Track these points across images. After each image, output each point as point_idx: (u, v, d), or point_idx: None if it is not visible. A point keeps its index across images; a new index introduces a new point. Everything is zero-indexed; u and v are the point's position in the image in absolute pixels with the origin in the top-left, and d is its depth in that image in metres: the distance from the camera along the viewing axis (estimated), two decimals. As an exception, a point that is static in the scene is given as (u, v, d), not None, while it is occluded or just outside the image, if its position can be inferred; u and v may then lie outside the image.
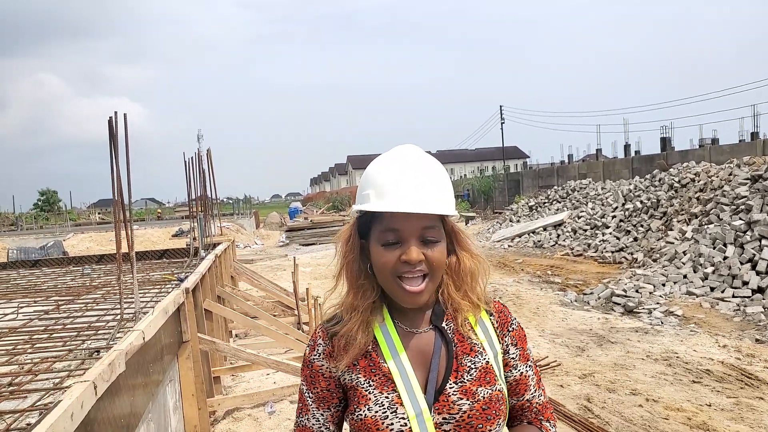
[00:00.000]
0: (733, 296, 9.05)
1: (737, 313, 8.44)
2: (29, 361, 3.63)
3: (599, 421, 5.09)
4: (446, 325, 1.36)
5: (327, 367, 1.38)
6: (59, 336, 4.24)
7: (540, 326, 8.52)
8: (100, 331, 4.26)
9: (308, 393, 1.40)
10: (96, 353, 3.64)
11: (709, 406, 5.34)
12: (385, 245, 1.30)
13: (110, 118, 3.81)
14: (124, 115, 3.91)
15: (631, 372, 6.36)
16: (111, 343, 3.72)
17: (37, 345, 4.01)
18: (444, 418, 1.27)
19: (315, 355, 1.40)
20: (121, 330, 4.00)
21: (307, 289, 8.73)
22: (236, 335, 8.56)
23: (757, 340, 7.21)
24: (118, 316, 4.41)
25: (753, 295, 8.89)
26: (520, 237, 19.67)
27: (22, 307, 5.50)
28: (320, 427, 1.39)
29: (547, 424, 1.44)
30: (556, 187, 25.48)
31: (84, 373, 2.62)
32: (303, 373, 1.43)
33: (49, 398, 2.87)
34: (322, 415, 1.39)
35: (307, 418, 1.40)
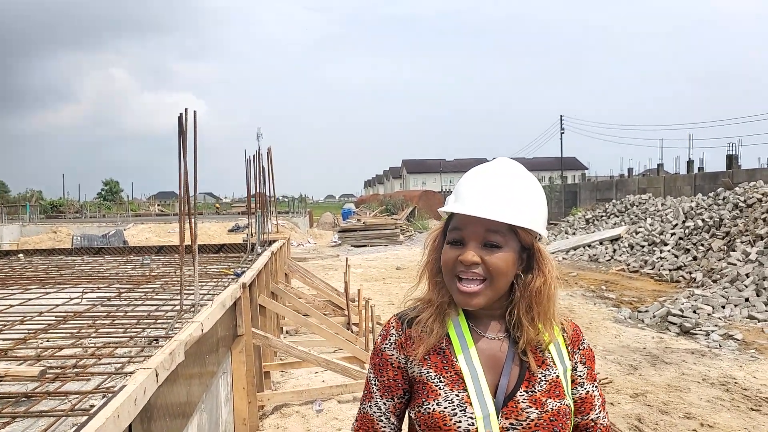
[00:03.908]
0: (798, 323, 8.66)
1: (802, 341, 8.08)
2: (92, 345, 3.79)
3: (650, 444, 4.96)
4: (520, 335, 1.37)
5: (397, 357, 1.42)
6: (121, 323, 4.42)
7: (592, 342, 8.31)
8: (159, 320, 4.42)
9: (374, 381, 1.44)
10: (155, 341, 3.78)
11: (768, 436, 5.14)
12: (450, 244, 1.36)
13: (180, 114, 3.96)
14: (194, 112, 4.05)
15: (685, 395, 6.17)
16: (170, 332, 3.85)
17: (100, 330, 4.18)
18: (511, 424, 1.29)
19: (386, 344, 1.44)
20: (180, 320, 4.13)
21: (358, 290, 8.81)
22: (287, 332, 8.71)
23: (822, 370, 6.88)
24: (178, 307, 4.56)
25: (820, 322, 8.49)
26: (575, 250, 19.29)
27: (86, 293, 5.74)
28: (381, 416, 1.42)
29: None
30: (614, 201, 24.88)
31: (144, 360, 2.73)
32: (372, 361, 1.46)
33: (111, 382, 3.00)
34: (384, 404, 1.41)
35: (370, 406, 1.43)
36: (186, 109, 3.96)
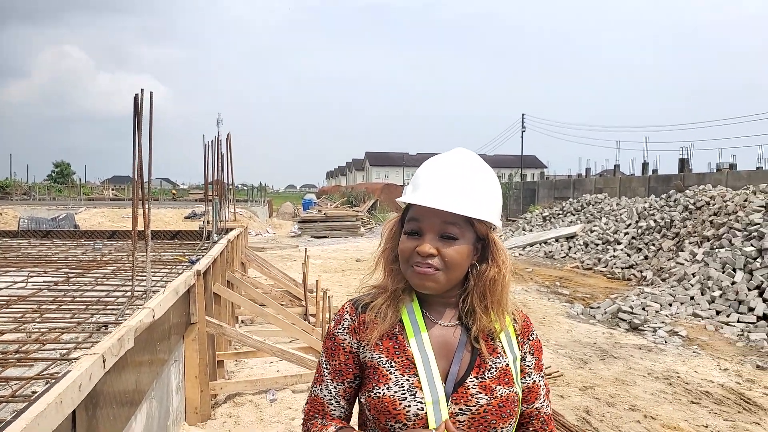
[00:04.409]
0: (738, 321, 8.99)
1: (741, 338, 8.38)
2: (37, 330, 3.68)
3: (596, 436, 5.09)
4: (471, 325, 1.39)
5: (349, 342, 1.43)
6: (68, 308, 4.30)
7: (545, 336, 8.50)
8: (108, 306, 4.32)
9: (326, 365, 1.44)
10: (104, 328, 3.69)
11: (706, 427, 5.32)
12: (408, 234, 1.37)
13: (136, 95, 3.86)
14: (150, 93, 3.96)
15: (631, 388, 6.35)
16: (120, 318, 3.77)
17: (46, 315, 4.07)
18: (460, 409, 1.31)
19: (339, 329, 1.45)
20: (131, 306, 4.05)
21: (317, 281, 8.77)
22: (242, 321, 8.62)
23: (758, 366, 7.16)
24: (128, 293, 4.47)
25: (758, 321, 8.82)
26: (531, 246, 19.60)
27: (31, 277, 5.57)
28: (331, 399, 1.43)
29: None
30: (571, 200, 25.34)
31: (92, 346, 2.66)
32: (325, 345, 1.47)
33: (56, 368, 2.92)
34: (335, 387, 1.43)
35: (321, 389, 1.44)
36: (142, 90, 3.87)
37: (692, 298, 10.13)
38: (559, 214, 23.73)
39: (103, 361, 2.44)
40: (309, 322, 7.77)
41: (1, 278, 5.44)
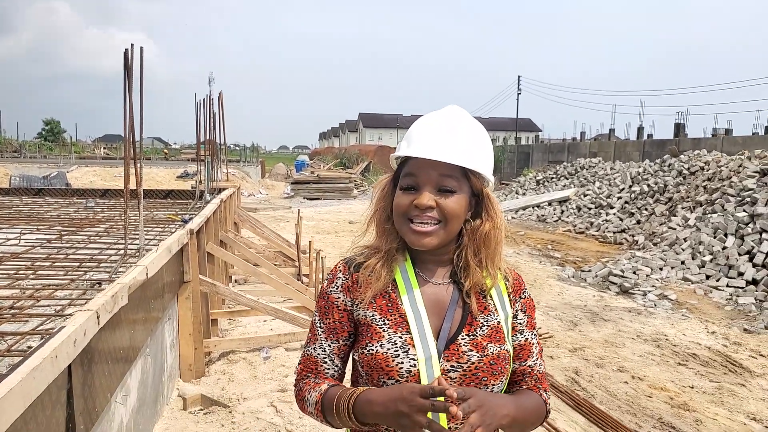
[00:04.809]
0: (728, 285, 9.10)
1: (729, 302, 8.50)
2: (31, 287, 3.68)
3: (585, 394, 5.18)
4: (464, 281, 1.39)
5: (342, 300, 1.43)
6: (61, 265, 4.30)
7: (536, 298, 8.55)
8: (102, 264, 4.32)
9: (320, 323, 1.45)
10: (98, 285, 3.70)
11: (692, 388, 5.43)
12: (403, 189, 1.37)
13: (126, 50, 3.78)
14: (141, 48, 3.88)
15: (620, 350, 6.45)
16: (113, 276, 3.77)
17: (39, 272, 4.06)
18: (452, 366, 1.32)
19: (333, 288, 1.45)
20: (124, 264, 4.04)
21: (309, 241, 8.78)
22: (236, 281, 8.66)
23: (745, 329, 7.28)
24: (122, 251, 4.46)
25: (747, 286, 8.93)
26: (524, 210, 19.66)
27: (24, 234, 5.55)
28: (325, 358, 1.44)
29: (545, 394, 1.49)
30: (565, 164, 25.30)
31: (86, 303, 2.66)
32: (318, 304, 1.48)
33: (50, 324, 2.93)
34: (329, 346, 1.43)
35: (314, 348, 1.45)
36: (132, 45, 3.79)
37: (683, 262, 10.22)
38: (552, 178, 23.73)
39: (98, 318, 2.45)
40: (302, 283, 7.81)
41: (-7, 235, 5.42)
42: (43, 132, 62.93)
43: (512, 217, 18.80)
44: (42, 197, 9.81)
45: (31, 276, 3.94)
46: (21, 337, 2.76)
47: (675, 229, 12.37)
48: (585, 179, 20.90)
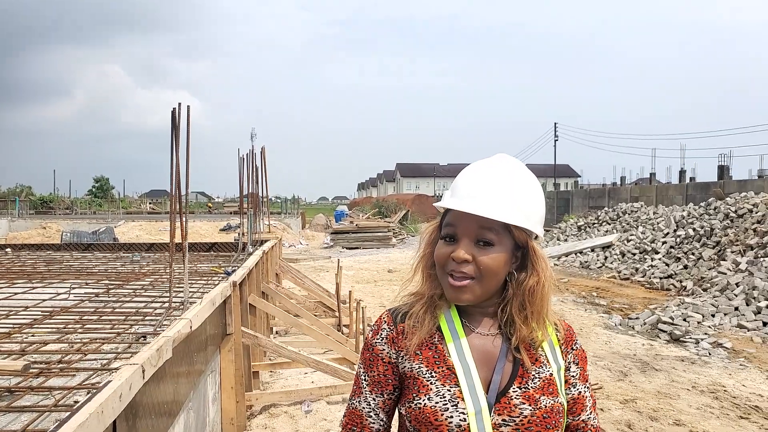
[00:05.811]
0: (788, 333, 8.70)
1: (791, 351, 8.11)
2: (79, 340, 3.74)
3: (639, 450, 4.95)
4: (511, 336, 1.35)
5: (388, 352, 1.40)
6: (108, 319, 4.37)
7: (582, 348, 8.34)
8: (147, 318, 4.37)
9: (364, 376, 1.42)
10: (143, 338, 3.73)
11: (757, 444, 5.14)
12: (444, 239, 1.35)
13: (174, 109, 3.91)
14: (188, 107, 4.01)
15: (675, 401, 6.17)
16: (158, 329, 3.80)
17: (87, 326, 4.13)
18: (503, 420, 1.27)
19: (377, 339, 1.42)
20: (168, 317, 4.09)
21: (350, 291, 8.77)
22: (277, 332, 8.66)
23: (811, 380, 6.90)
24: (166, 304, 4.52)
25: (809, 333, 8.52)
26: (566, 256, 19.32)
27: (74, 288, 5.68)
28: (370, 411, 1.40)
29: None
30: (606, 209, 24.98)
31: (131, 356, 2.68)
32: (362, 356, 1.44)
33: (97, 378, 2.95)
34: (374, 399, 1.40)
35: (359, 401, 1.41)
36: (179, 104, 3.92)
37: (736, 308, 9.83)
38: (594, 224, 23.38)
39: (143, 371, 2.46)
40: (343, 333, 7.76)
41: (45, 290, 5.57)
42: (94, 189, 65.27)
43: (554, 264, 18.47)
44: (91, 252, 10.08)
45: (79, 330, 4.01)
46: (68, 392, 2.78)
47: (725, 273, 11.95)
48: (627, 224, 20.51)
